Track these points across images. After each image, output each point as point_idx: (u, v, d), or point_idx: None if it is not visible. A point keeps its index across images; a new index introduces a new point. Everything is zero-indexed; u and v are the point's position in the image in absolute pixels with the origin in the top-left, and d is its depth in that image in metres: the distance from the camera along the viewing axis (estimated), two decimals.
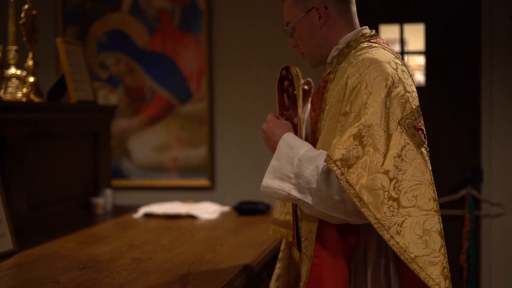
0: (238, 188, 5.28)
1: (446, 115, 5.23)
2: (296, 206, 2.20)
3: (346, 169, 1.82)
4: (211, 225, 3.46)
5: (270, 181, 2.05)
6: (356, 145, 1.84)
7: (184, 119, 5.45)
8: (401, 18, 5.36)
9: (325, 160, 1.87)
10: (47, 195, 3.35)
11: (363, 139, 1.84)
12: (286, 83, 2.34)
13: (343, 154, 1.83)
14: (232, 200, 4.44)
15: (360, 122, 1.86)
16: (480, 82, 5.16)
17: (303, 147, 2.03)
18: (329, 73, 2.11)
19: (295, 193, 1.97)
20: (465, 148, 5.23)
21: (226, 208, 3.91)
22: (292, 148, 2.04)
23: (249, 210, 3.75)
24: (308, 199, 1.94)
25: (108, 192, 3.84)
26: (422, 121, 1.94)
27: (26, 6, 3.24)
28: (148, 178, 5.51)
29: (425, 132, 1.93)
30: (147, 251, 2.75)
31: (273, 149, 2.13)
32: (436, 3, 5.27)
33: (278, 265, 2.57)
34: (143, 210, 3.72)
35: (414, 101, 1.94)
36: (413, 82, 2.02)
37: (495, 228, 5.12)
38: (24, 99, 3.18)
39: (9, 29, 3.23)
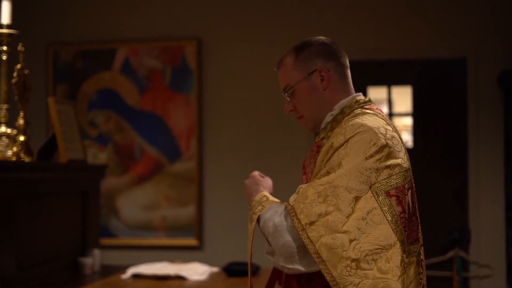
0: (226, 248, 5.26)
1: (434, 176, 5.27)
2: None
3: (308, 226, 1.87)
4: (201, 286, 3.43)
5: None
6: (320, 202, 1.88)
7: (173, 178, 5.45)
8: (389, 80, 5.44)
9: (288, 211, 1.93)
10: (35, 255, 3.31)
11: (327, 198, 1.87)
12: None
13: (306, 209, 1.89)
14: (220, 260, 4.41)
15: (327, 181, 1.90)
16: (467, 142, 5.21)
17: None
18: (322, 138, 2.12)
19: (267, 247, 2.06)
20: (453, 208, 5.25)
21: (215, 269, 3.87)
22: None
23: (239, 271, 3.71)
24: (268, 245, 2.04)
25: (96, 252, 3.80)
26: (404, 185, 1.92)
27: (18, 66, 3.25)
28: (136, 237, 5.47)
29: (402, 198, 1.90)
30: None
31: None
32: (422, 66, 5.36)
33: None
34: (131, 271, 3.68)
35: (397, 168, 1.93)
36: (404, 148, 2.02)
37: None
38: (14, 158, 3.17)
39: (1, 87, 3.24)
